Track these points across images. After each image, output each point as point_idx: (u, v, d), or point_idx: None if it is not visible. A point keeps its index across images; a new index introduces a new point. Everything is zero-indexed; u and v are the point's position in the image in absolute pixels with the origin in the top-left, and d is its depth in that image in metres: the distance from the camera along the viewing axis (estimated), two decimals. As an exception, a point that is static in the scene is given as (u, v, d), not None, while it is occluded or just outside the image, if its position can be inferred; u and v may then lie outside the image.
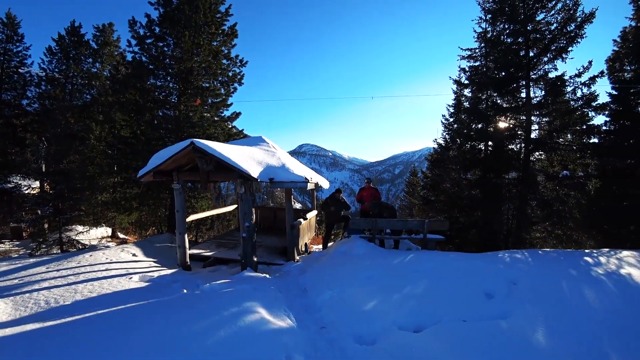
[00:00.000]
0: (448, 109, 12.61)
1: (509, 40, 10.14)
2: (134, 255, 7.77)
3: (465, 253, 6.22)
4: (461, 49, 11.35)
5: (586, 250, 6.07)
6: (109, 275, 5.68)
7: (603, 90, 8.87)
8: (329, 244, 9.02)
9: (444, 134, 12.68)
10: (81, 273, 5.67)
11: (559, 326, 3.21)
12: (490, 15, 10.57)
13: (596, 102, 8.97)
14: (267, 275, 5.84)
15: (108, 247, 8.76)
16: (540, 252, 6.00)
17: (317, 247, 9.87)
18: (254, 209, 6.05)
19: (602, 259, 5.11)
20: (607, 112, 9.64)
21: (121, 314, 3.90)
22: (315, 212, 10.38)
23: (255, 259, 6.03)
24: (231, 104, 11.88)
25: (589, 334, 3.08)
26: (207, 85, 11.32)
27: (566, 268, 4.69)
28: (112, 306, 4.14)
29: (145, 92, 10.33)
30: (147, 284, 5.40)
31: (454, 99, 12.56)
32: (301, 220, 8.13)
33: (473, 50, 11.24)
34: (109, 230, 13.91)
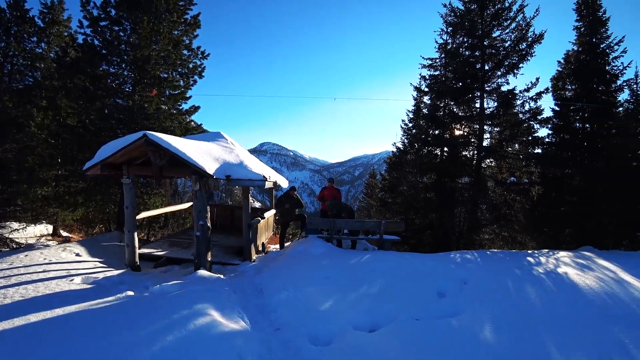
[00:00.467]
0: (408, 115, 13.09)
1: (467, 53, 10.72)
2: (77, 255, 7.14)
3: (420, 253, 6.46)
4: (423, 57, 11.85)
5: (529, 251, 6.56)
6: (47, 277, 5.14)
7: (547, 105, 9.69)
8: (286, 244, 8.96)
9: (403, 138, 13.18)
10: (13, 276, 5.07)
11: (504, 323, 3.39)
12: (451, 28, 11.10)
13: (541, 116, 9.75)
14: (222, 276, 5.62)
15: (47, 246, 7.99)
16: (488, 252, 6.38)
17: (275, 247, 9.75)
18: (209, 207, 5.80)
19: (542, 259, 5.55)
20: (549, 126, 10.52)
21: (55, 321, 3.53)
22: (273, 211, 10.25)
23: (209, 259, 5.79)
24: (190, 97, 11.41)
25: (530, 329, 3.28)
26: (166, 75, 10.76)
27: (511, 268, 5.02)
28: (47, 310, 3.74)
29: (96, 78, 9.57)
30: (90, 286, 4.97)
31: (414, 105, 13.08)
32: (259, 219, 7.98)
33: (434, 60, 11.77)
34: (50, 228, 12.71)
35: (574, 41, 10.96)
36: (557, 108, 10.62)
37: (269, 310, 4.26)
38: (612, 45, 10.00)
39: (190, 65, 11.54)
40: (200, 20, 11.42)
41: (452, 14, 10.86)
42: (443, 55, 11.55)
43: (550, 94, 10.87)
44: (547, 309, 3.66)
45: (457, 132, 10.75)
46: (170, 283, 4.82)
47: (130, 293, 4.54)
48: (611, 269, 4.94)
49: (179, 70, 11.37)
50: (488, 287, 4.27)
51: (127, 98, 9.94)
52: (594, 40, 10.27)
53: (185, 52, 11.42)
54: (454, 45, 11.21)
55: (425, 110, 12.30)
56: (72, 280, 5.13)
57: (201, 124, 11.58)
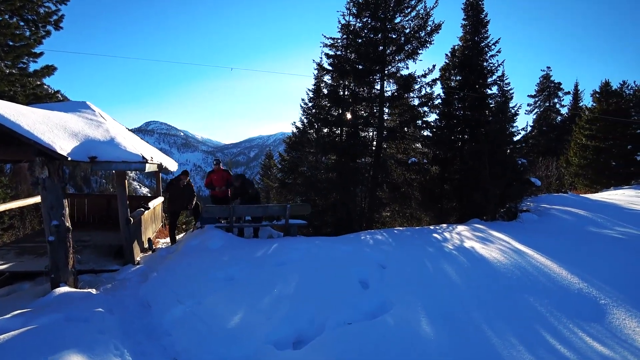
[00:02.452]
0: (308, 94, 12.82)
1: (370, 35, 10.79)
2: None
3: (329, 237, 6.24)
4: (325, 36, 11.52)
5: (431, 227, 7.00)
6: None
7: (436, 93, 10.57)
8: (178, 237, 7.76)
9: (303, 117, 12.90)
10: None
11: (437, 313, 3.29)
12: (355, 9, 10.96)
13: (433, 102, 10.56)
14: (93, 291, 4.26)
15: None
16: (395, 231, 6.55)
17: (165, 241, 8.33)
18: (67, 200, 4.27)
19: (447, 235, 5.90)
20: (437, 111, 11.56)
21: None
22: (161, 199, 8.77)
23: (72, 269, 4.31)
24: (42, 53, 8.68)
25: (464, 316, 3.24)
26: (0, 19, 7.88)
27: (423, 246, 5.14)
28: None
29: None
30: None
31: (314, 84, 12.87)
32: (142, 210, 6.55)
33: (336, 40, 11.57)
34: None
35: (460, 37, 12.16)
36: (443, 96, 11.73)
37: (161, 332, 3.34)
38: (490, 44, 11.36)
39: (41, 10, 8.75)
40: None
41: (359, -7, 10.70)
42: (345, 37, 11.44)
43: (439, 83, 11.97)
44: (469, 288, 3.73)
45: (358, 113, 10.90)
46: (8, 316, 3.33)
47: None
48: (505, 239, 5.49)
49: (25, 15, 8.50)
50: (409, 271, 4.21)
51: None
52: (475, 38, 11.49)
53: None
54: (359, 27, 11.17)
55: (325, 90, 12.13)
56: None
57: (58, 91, 9.03)
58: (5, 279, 5.13)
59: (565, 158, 20.89)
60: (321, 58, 11.56)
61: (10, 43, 8.07)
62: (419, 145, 11.22)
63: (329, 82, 11.91)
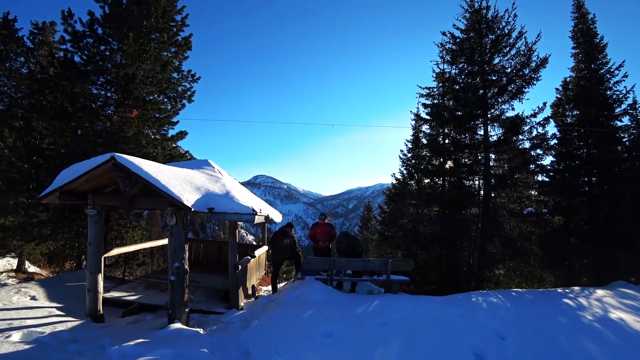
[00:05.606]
0: (406, 144, 12.70)
1: (468, 80, 10.37)
2: (32, 298, 6.07)
3: (436, 297, 5.59)
4: (420, 87, 11.53)
5: (559, 290, 5.75)
6: (-23, 332, 4.13)
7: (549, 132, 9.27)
8: (279, 286, 7.98)
9: (402, 168, 12.69)
10: None
11: None
12: (449, 56, 10.79)
13: (548, 142, 9.29)
14: (201, 330, 4.60)
15: (4, 285, 6.91)
16: (514, 293, 5.56)
17: (267, 289, 8.65)
18: (190, 244, 4.90)
19: (583, 301, 4.72)
20: (553, 153, 10.12)
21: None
22: (265, 247, 9.26)
23: (186, 309, 4.79)
24: (177, 121, 10.70)
25: None
26: (151, 98, 10.10)
27: (553, 315, 4.17)
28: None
29: (74, 97, 8.82)
30: (28, 346, 3.94)
31: (412, 134, 12.73)
32: (248, 257, 7.00)
33: (431, 89, 11.45)
34: (15, 263, 11.43)
35: (572, 67, 10.84)
36: (559, 135, 10.29)
37: (258, 384, 3.31)
38: (612, 70, 9.85)
39: (179, 89, 10.96)
40: (191, 41, 10.96)
41: (452, 41, 10.62)
42: (440, 85, 11.26)
43: (552, 121, 10.60)
44: None
45: (461, 161, 10.19)
46: (132, 343, 3.81)
47: None
48: None
49: (168, 93, 10.77)
50: (536, 345, 3.41)
51: (107, 120, 9.15)
52: (592, 66, 10.11)
53: (175, 74, 10.89)
54: (455, 73, 10.90)
55: (424, 140, 11.85)
56: (8, 336, 4.10)
57: (188, 151, 10.84)
58: (135, 308, 5.97)
59: None
60: (418, 108, 11.58)
61: (157, 115, 10.23)
62: (534, 192, 9.82)
63: (428, 131, 11.73)
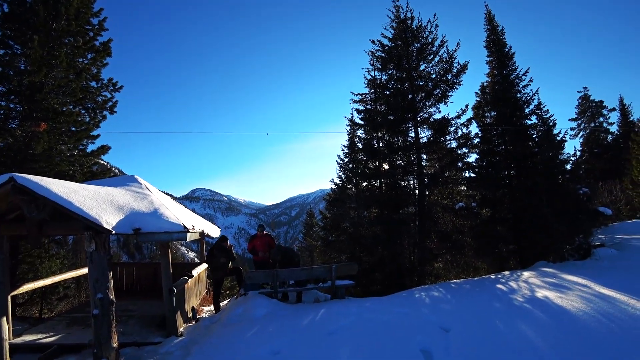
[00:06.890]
0: (343, 149, 13.02)
1: (398, 85, 10.96)
2: None
3: (380, 298, 5.68)
4: (353, 93, 11.94)
5: (492, 277, 6.21)
6: None
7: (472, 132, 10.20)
8: (222, 304, 7.52)
9: (340, 173, 12.93)
10: None
11: None
12: (379, 63, 11.32)
13: (472, 141, 10.15)
14: (134, 368, 4.09)
15: None
16: (453, 285, 5.87)
17: (209, 309, 8.07)
18: (111, 272, 4.27)
19: (513, 284, 5.14)
20: (477, 150, 11.07)
21: None
22: (205, 265, 8.73)
23: (114, 345, 4.18)
24: (98, 135, 9.65)
25: None
26: (65, 109, 8.96)
27: (489, 301, 4.46)
28: None
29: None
30: None
31: (348, 140, 13.12)
32: (186, 278, 6.47)
33: (364, 95, 11.93)
34: None
35: (488, 73, 12.04)
36: (481, 134, 11.30)
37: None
38: (520, 75, 11.09)
39: (99, 99, 9.93)
40: (111, 47, 10.01)
41: (381, 49, 11.15)
42: (372, 91, 11.75)
43: (474, 122, 11.62)
44: (556, 354, 3.04)
45: (395, 163, 10.68)
46: None
47: None
48: (583, 283, 4.69)
49: (86, 104, 9.68)
50: (477, 335, 3.57)
51: (9, 135, 7.88)
52: (504, 72, 11.30)
53: (93, 83, 9.85)
54: (385, 79, 11.44)
55: (359, 144, 12.23)
56: None
57: (112, 167, 9.79)
58: (54, 352, 5.08)
59: (629, 179, 18.71)
60: (352, 114, 11.90)
61: (73, 129, 9.09)
62: (463, 188, 10.64)
63: (363, 135, 12.07)
